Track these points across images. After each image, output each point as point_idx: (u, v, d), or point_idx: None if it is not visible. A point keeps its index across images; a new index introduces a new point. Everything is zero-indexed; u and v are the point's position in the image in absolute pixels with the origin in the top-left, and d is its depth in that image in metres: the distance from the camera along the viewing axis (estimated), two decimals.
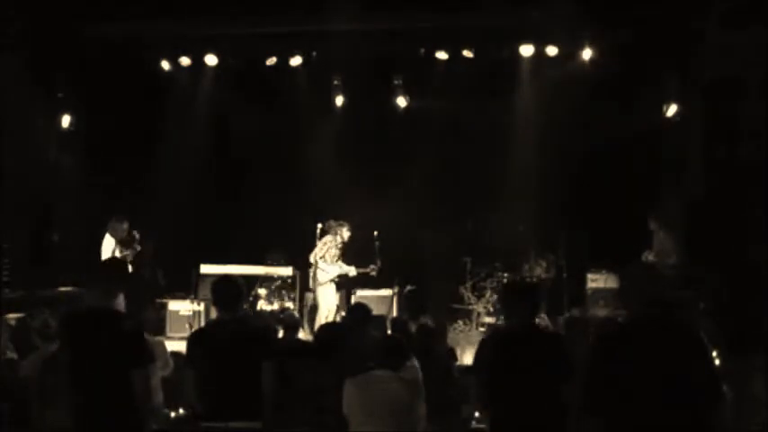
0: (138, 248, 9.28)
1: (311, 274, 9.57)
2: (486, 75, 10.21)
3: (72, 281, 9.00)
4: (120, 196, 10.37)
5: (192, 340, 4.75)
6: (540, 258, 10.26)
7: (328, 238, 9.55)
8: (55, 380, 4.51)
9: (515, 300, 4.38)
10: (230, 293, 4.65)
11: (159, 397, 5.42)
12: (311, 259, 9.49)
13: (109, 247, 9.09)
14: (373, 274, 9.58)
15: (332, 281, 9.50)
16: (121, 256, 8.99)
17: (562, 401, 4.05)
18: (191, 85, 10.96)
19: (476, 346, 4.50)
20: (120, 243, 9.17)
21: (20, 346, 5.67)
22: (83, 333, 4.33)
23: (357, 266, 9.65)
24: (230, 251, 10.33)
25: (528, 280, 10.11)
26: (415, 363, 4.75)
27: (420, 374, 4.66)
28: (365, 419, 4.36)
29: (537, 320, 5.46)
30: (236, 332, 4.52)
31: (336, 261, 9.55)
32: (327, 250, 9.47)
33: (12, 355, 5.72)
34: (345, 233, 9.58)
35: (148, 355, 4.47)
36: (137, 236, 9.28)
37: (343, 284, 9.80)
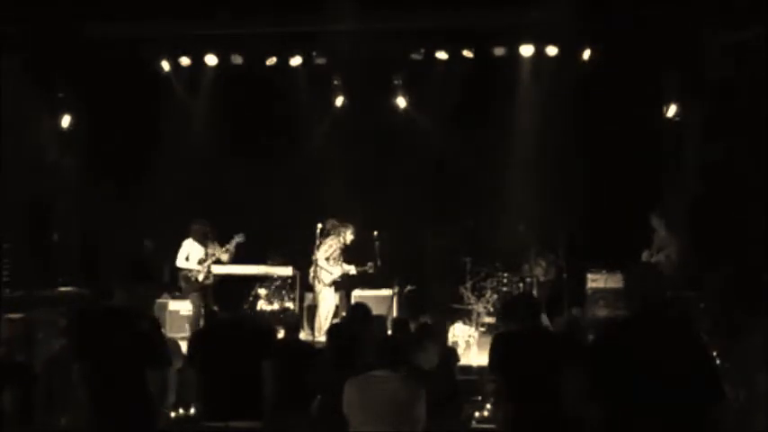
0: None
1: (311, 274, 9.55)
2: (486, 75, 10.22)
3: (72, 281, 8.99)
4: (120, 196, 10.35)
5: (193, 340, 4.76)
6: (540, 258, 10.25)
7: (332, 240, 9.51)
8: (62, 381, 4.50)
9: None
10: (230, 293, 4.66)
11: (171, 398, 5.45)
12: (316, 260, 9.44)
13: (188, 251, 9.35)
14: (371, 271, 9.56)
15: (334, 282, 9.50)
16: (218, 256, 9.43)
17: None
18: (191, 85, 10.96)
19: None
20: (204, 245, 9.46)
21: (20, 345, 5.67)
22: (99, 332, 4.34)
23: (356, 266, 9.63)
24: None
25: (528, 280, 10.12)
26: (420, 363, 4.75)
27: (423, 375, 4.65)
28: (365, 419, 4.35)
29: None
30: (236, 332, 4.53)
31: (339, 262, 9.54)
32: (332, 252, 9.44)
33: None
34: (349, 236, 9.53)
35: (166, 357, 4.48)
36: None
37: (343, 284, 9.78)
